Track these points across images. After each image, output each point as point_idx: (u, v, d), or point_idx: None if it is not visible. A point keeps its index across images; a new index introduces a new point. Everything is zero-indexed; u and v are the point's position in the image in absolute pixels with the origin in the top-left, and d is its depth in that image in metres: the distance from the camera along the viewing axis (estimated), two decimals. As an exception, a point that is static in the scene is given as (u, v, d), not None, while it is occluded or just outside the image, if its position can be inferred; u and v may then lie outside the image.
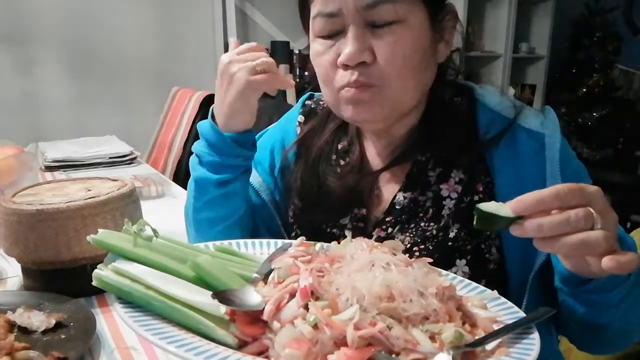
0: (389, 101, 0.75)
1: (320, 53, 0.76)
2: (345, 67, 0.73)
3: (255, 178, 0.94)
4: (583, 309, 0.67)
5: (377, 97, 0.74)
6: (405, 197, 0.80)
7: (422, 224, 0.78)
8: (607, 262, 0.50)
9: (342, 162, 0.87)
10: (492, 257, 0.76)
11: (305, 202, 0.88)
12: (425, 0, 0.73)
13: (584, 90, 4.05)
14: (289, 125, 0.97)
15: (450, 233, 0.76)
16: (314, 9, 0.75)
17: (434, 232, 0.77)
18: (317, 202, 0.86)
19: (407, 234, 0.78)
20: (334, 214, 0.85)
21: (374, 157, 0.86)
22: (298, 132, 0.95)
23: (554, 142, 0.74)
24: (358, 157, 0.86)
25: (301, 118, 0.96)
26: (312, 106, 0.97)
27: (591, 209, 0.50)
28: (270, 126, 1.03)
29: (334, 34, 0.74)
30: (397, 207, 0.80)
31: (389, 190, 0.83)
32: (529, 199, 0.50)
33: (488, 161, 0.77)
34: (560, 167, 0.72)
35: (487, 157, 0.77)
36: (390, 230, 0.80)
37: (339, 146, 0.89)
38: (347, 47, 0.72)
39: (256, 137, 1.00)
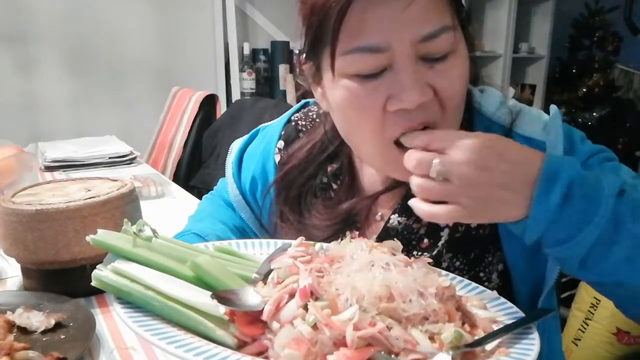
0: None
1: (359, 98, 0.63)
2: (401, 110, 0.62)
3: (233, 192, 0.94)
4: (566, 268, 0.58)
5: None
6: (400, 222, 0.76)
7: (415, 252, 0.74)
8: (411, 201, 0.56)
9: (334, 186, 0.82)
10: (491, 284, 0.72)
11: (291, 228, 0.83)
12: (463, 25, 0.67)
13: (584, 90, 4.05)
14: (270, 147, 0.91)
15: (443, 263, 0.72)
16: (348, 43, 0.61)
17: None
18: (305, 227, 0.81)
19: None
20: (325, 237, 0.79)
21: (370, 178, 0.81)
22: (277, 160, 0.89)
23: (556, 151, 0.66)
24: (350, 179, 0.82)
25: (281, 144, 0.89)
26: (301, 122, 0.90)
27: (436, 159, 0.53)
28: (266, 124, 0.98)
29: (377, 73, 0.62)
30: (390, 232, 0.76)
31: (383, 212, 0.79)
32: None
33: None
34: None
35: None
36: None
37: (329, 169, 0.83)
38: (406, 88, 0.60)
39: (251, 134, 0.97)
